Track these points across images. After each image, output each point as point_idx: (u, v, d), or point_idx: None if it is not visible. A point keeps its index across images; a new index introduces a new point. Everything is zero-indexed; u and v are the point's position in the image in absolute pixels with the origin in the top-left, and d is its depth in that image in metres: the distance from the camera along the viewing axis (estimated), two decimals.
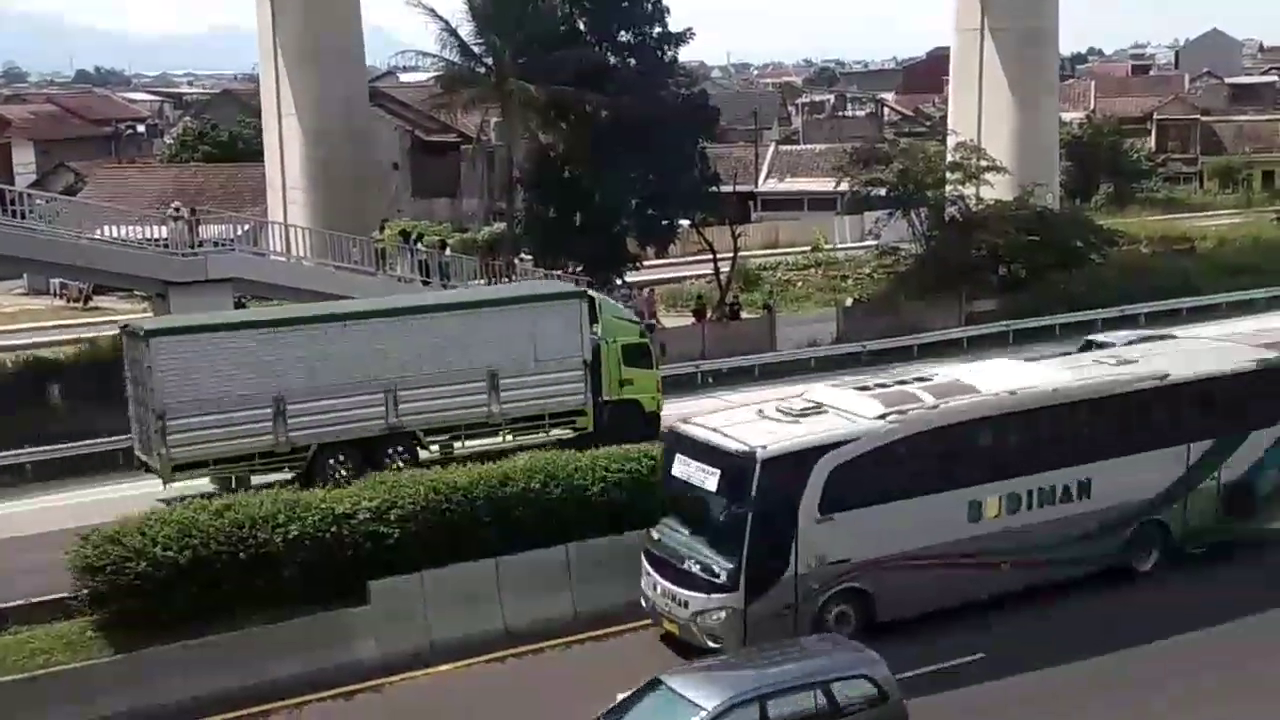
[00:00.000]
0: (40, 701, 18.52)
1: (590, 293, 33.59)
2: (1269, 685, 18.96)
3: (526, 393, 30.58)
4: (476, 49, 45.56)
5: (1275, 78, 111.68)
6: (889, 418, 20.82)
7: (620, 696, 16.77)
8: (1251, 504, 23.71)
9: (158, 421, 27.46)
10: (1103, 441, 22.43)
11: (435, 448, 29.75)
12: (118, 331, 31.35)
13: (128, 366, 29.35)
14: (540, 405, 30.80)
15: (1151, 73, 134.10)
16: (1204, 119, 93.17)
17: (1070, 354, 26.15)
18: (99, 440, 32.92)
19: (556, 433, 30.78)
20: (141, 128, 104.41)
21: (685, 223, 50.75)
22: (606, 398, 31.93)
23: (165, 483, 27.94)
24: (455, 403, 29.95)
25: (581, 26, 46.21)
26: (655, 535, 21.33)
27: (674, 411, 36.27)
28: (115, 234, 38.41)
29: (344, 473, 27.81)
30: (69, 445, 32.65)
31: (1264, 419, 23.93)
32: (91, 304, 55.78)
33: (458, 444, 29.88)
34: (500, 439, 30.26)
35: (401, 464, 28.18)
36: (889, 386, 22.51)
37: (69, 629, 20.65)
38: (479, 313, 31.09)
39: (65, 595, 21.23)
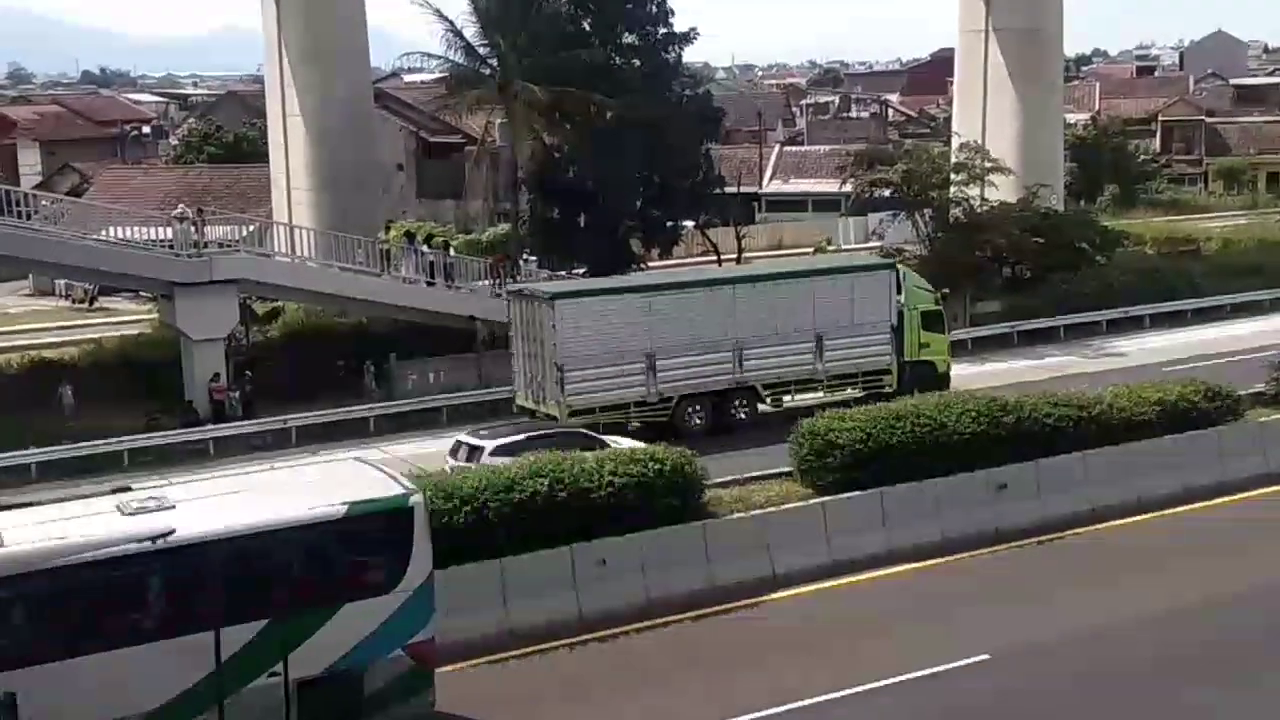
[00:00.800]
0: None
1: (897, 264, 37.70)
2: None
3: (845, 353, 35.06)
4: (481, 50, 45.61)
5: None
6: None
7: None
8: (353, 705, 16.89)
9: (557, 373, 31.96)
10: (23, 640, 15.47)
11: (769, 400, 34.29)
12: (508, 294, 35.80)
13: (519, 326, 33.77)
14: (855, 364, 35.27)
15: (1156, 74, 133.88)
16: (1209, 120, 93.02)
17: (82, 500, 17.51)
18: (110, 440, 33.13)
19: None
20: (147, 129, 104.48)
21: (689, 224, 50.76)
22: (907, 358, 36.00)
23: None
24: (788, 361, 34.48)
25: (586, 27, 46.25)
26: None
27: None
28: (121, 235, 38.50)
29: (698, 421, 33.14)
30: (79, 445, 32.87)
31: (370, 585, 17.13)
32: (97, 305, 55.92)
33: (787, 398, 34.38)
34: (821, 394, 34.25)
35: (744, 415, 33.30)
36: None
37: None
38: (809, 281, 35.72)
39: None
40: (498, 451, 28.18)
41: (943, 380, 35.77)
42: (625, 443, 28.57)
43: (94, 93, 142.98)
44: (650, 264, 49.14)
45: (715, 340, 33.52)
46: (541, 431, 29.67)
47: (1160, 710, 18.29)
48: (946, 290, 41.08)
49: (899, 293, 36.03)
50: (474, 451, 28.71)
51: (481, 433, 29.98)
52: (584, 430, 29.98)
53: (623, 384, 32.72)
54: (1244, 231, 64.13)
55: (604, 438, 29.24)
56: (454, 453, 29.23)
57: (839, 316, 34.96)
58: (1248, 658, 19.78)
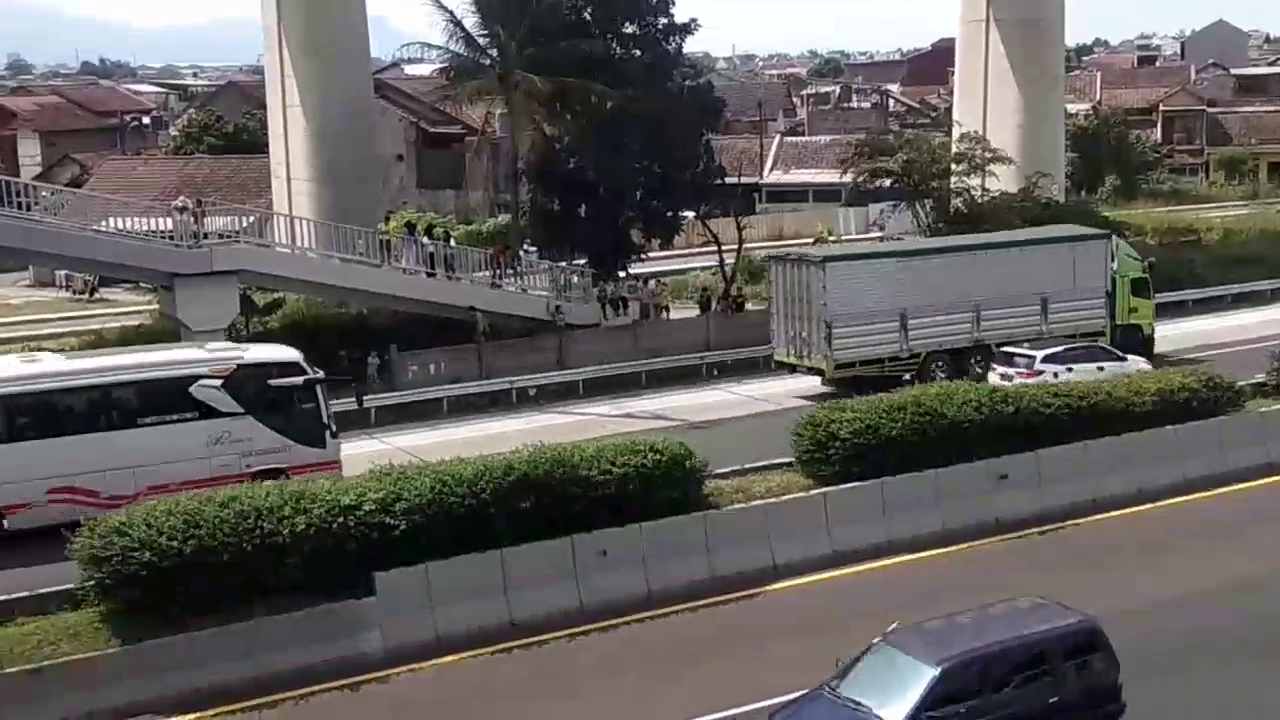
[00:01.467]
0: (45, 693, 18.57)
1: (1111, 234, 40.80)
2: None
3: (1066, 315, 38.05)
4: (481, 40, 45.49)
5: None
6: None
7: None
8: None
9: (825, 329, 35.53)
10: None
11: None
12: (770, 259, 39.96)
13: (781, 288, 37.47)
14: (1074, 326, 37.99)
15: (1157, 64, 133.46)
16: (1210, 110, 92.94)
17: None
18: None
19: None
20: (146, 120, 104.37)
21: (690, 214, 50.63)
22: (1118, 322, 39.13)
23: (827, 379, 36.20)
24: (1018, 321, 37.38)
25: (587, 18, 46.07)
26: None
27: (680, 404, 36.57)
28: (121, 226, 38.42)
29: (942, 376, 34.64)
30: None
31: None
32: (97, 296, 55.86)
33: None
34: None
35: (980, 370, 35.63)
36: None
37: (74, 620, 20.69)
38: (1037, 249, 39.02)
39: (71, 585, 21.27)
40: (1046, 360, 33.33)
41: (1148, 343, 39.15)
42: (1138, 362, 34.28)
43: (94, 84, 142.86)
44: (650, 254, 49.04)
45: (958, 301, 36.88)
46: (1079, 346, 35.21)
47: (1159, 698, 18.26)
48: (1153, 259, 42.78)
49: (1112, 261, 39.04)
50: (1016, 359, 33.83)
51: (1025, 345, 35.03)
52: (1107, 346, 35.90)
53: (880, 340, 36.18)
54: (1245, 221, 64.01)
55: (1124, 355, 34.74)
56: (1001, 362, 34.13)
57: (1062, 281, 38.06)
58: (1248, 645, 19.78)
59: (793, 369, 37.24)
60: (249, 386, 27.15)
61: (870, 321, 36.02)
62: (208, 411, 26.75)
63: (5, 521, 25.38)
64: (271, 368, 27.80)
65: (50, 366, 27.30)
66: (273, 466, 26.74)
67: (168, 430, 26.38)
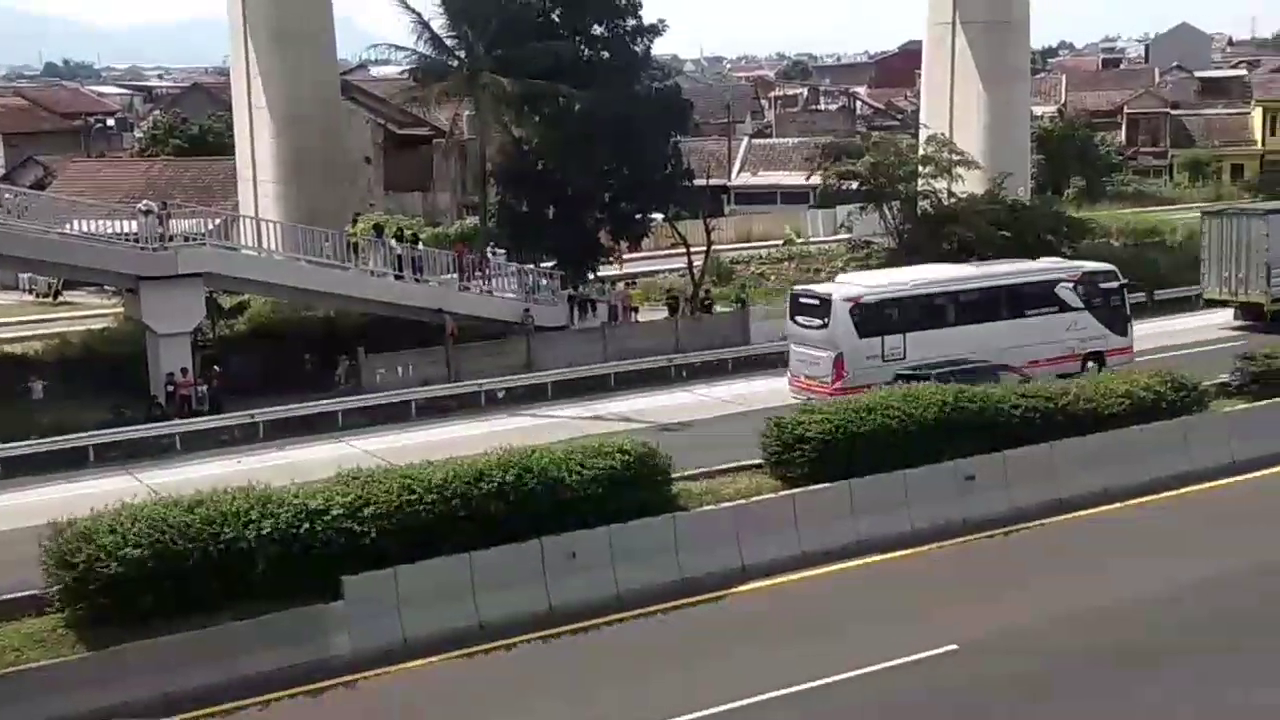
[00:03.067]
0: (10, 699, 18.38)
1: None
2: None
3: None
4: (449, 41, 45.41)
5: (1244, 71, 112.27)
6: None
7: None
8: None
9: (1266, 270, 44.01)
10: None
11: None
12: (1204, 214, 48.93)
13: (1214, 237, 45.68)
14: None
15: (1122, 66, 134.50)
16: (1174, 112, 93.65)
17: None
18: (77, 435, 32.87)
19: None
20: (111, 121, 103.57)
21: (658, 216, 50.67)
22: None
23: (1267, 310, 44.11)
24: None
25: (555, 19, 46.06)
26: None
27: (649, 405, 36.58)
28: (85, 229, 38.14)
29: None
30: (45, 440, 32.59)
31: None
32: (61, 299, 55.38)
33: None
34: None
35: None
36: None
37: (40, 626, 20.51)
38: None
39: (37, 591, 21.07)
40: None
41: None
42: None
43: (58, 85, 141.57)
44: (624, 257, 49.03)
45: None
46: None
47: (1123, 699, 18.38)
48: None
49: None
50: None
51: None
52: None
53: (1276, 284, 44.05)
54: None
55: None
56: None
57: None
58: (1209, 644, 19.92)
59: (1224, 304, 45.39)
60: (1087, 288, 36.73)
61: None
62: (1063, 306, 36.24)
63: None
64: (1100, 275, 37.51)
65: (970, 271, 38.03)
66: (1095, 350, 36.22)
67: (1043, 320, 35.90)
